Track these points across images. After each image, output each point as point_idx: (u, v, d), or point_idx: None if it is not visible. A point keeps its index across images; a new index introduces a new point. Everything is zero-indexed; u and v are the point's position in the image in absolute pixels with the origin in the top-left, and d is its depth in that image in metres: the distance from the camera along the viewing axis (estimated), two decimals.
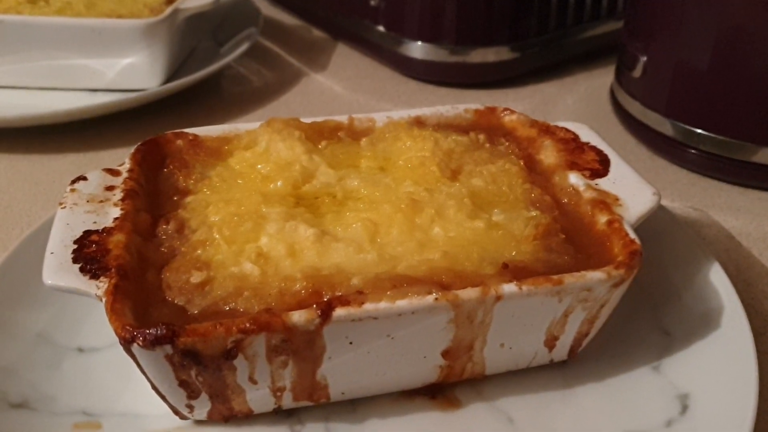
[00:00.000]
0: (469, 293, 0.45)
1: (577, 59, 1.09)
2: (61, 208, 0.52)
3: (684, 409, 0.50)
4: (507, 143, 0.62)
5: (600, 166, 0.58)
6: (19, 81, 0.91)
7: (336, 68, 1.09)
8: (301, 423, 0.50)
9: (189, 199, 0.55)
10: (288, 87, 1.03)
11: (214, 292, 0.46)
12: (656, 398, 0.51)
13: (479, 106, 0.67)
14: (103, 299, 0.44)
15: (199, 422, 0.49)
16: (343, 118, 0.64)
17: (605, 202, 0.53)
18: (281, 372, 0.46)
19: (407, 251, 0.49)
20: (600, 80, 1.04)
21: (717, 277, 0.58)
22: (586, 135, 0.62)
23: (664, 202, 0.68)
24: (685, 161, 0.83)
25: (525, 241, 0.50)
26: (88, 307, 0.55)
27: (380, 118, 0.64)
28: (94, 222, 0.51)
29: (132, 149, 0.59)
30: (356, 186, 0.55)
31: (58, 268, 0.47)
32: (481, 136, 0.62)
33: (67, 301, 0.56)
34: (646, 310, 0.58)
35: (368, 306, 0.44)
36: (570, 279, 0.47)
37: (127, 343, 0.42)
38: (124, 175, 0.55)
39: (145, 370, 0.44)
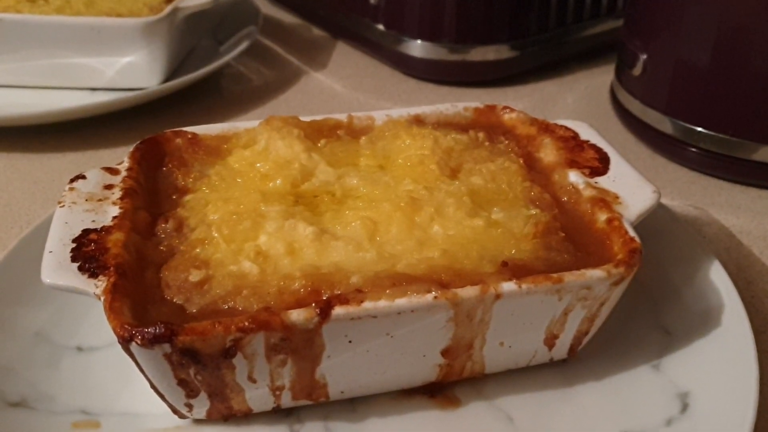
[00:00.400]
0: (468, 291, 0.45)
1: (577, 57, 1.09)
2: (60, 206, 0.52)
3: (684, 407, 0.50)
4: (506, 141, 0.62)
5: (600, 164, 0.58)
6: (19, 80, 0.91)
7: (336, 67, 1.09)
8: (300, 422, 0.50)
9: (188, 197, 0.54)
10: (288, 86, 1.03)
11: (213, 291, 0.46)
12: (656, 397, 0.51)
13: (479, 105, 0.67)
14: (102, 298, 0.44)
15: (198, 421, 0.49)
16: (342, 117, 0.64)
17: (605, 200, 0.53)
18: (280, 371, 0.46)
19: (406, 249, 0.49)
20: (600, 78, 1.04)
21: (717, 276, 0.57)
22: (586, 133, 0.62)
23: (664, 201, 0.68)
24: (685, 159, 0.83)
25: (524, 240, 0.50)
26: (86, 306, 0.55)
27: (380, 116, 0.64)
28: (93, 221, 0.51)
29: (131, 148, 0.58)
30: (355, 184, 0.55)
31: (56, 267, 0.46)
32: (481, 135, 0.62)
33: (66, 300, 0.56)
34: (646, 308, 0.58)
35: (367, 304, 0.44)
36: (570, 277, 0.46)
37: (125, 342, 0.42)
38: (123, 173, 0.55)
39: (144, 369, 0.44)
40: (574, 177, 0.57)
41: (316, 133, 0.62)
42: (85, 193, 0.53)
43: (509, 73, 1.03)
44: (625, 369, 0.53)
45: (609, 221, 0.52)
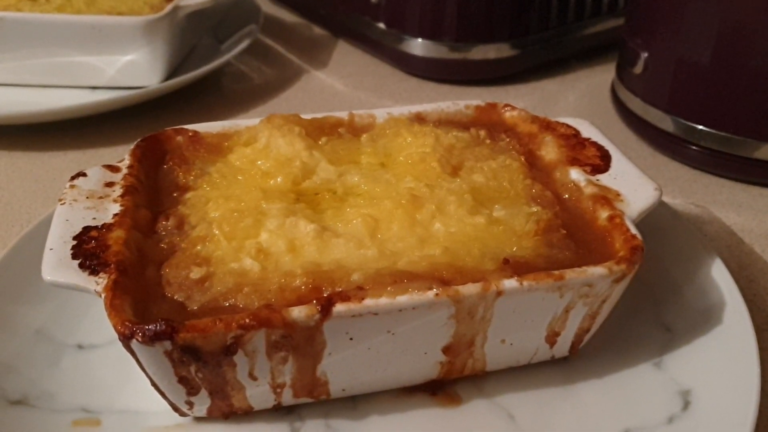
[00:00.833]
0: (469, 289, 0.45)
1: (578, 56, 1.09)
2: (61, 204, 0.52)
3: (686, 405, 0.50)
4: (508, 139, 0.62)
5: (601, 162, 0.58)
6: (20, 78, 0.91)
7: (336, 65, 1.09)
8: (301, 420, 0.50)
9: (189, 195, 0.54)
10: (288, 84, 1.03)
11: (214, 288, 0.46)
12: (658, 394, 0.51)
13: (480, 103, 0.67)
14: (103, 295, 0.44)
15: (198, 419, 0.49)
16: (343, 115, 0.64)
17: (606, 198, 0.53)
18: (281, 368, 0.46)
19: (408, 247, 0.49)
20: (601, 77, 1.04)
21: (719, 274, 0.57)
22: (587, 131, 0.62)
23: (666, 199, 0.68)
24: (686, 158, 0.83)
25: (526, 237, 0.50)
26: (87, 304, 0.55)
27: (381, 114, 0.64)
28: (94, 218, 0.51)
29: (132, 146, 0.58)
30: (356, 182, 0.55)
31: (57, 264, 0.46)
32: (482, 132, 0.62)
33: (67, 298, 0.56)
34: (648, 306, 0.58)
35: (368, 302, 0.44)
36: (571, 274, 0.46)
37: (126, 339, 0.42)
38: (124, 171, 0.55)
39: (145, 367, 0.44)
40: (576, 174, 0.56)
41: (317, 131, 0.61)
42: (86, 191, 0.53)
43: (510, 72, 1.02)
44: (626, 367, 0.53)
45: (610, 218, 0.51)
